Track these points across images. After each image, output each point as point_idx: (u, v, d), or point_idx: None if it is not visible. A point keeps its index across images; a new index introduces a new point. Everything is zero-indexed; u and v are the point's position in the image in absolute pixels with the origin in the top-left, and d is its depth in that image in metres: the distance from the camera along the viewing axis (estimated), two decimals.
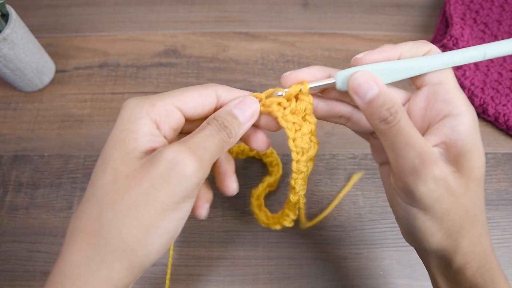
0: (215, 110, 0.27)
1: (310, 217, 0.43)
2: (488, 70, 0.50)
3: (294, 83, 0.27)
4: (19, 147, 0.47)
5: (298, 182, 0.29)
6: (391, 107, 0.23)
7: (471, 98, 0.48)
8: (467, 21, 0.54)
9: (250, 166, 0.46)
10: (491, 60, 0.51)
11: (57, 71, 0.53)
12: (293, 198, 0.30)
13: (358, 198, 0.44)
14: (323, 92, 0.29)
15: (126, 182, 0.22)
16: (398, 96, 0.27)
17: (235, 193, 0.28)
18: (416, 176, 0.23)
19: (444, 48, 0.49)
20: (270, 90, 0.28)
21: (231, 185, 0.28)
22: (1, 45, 0.42)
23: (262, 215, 0.38)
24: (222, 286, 0.40)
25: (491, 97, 0.48)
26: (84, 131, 0.48)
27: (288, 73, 0.27)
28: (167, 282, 0.38)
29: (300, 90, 0.27)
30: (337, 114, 0.29)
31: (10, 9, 0.43)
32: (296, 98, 0.28)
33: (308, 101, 0.27)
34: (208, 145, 0.23)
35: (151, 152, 0.23)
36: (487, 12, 0.54)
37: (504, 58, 0.51)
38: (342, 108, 0.29)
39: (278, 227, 0.35)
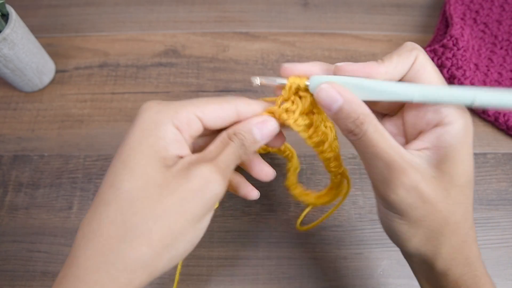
0: (233, 122, 0.27)
1: (310, 216, 0.43)
2: (488, 70, 0.50)
3: (293, 75, 0.27)
4: (19, 147, 0.47)
5: (332, 165, 0.30)
6: (356, 118, 0.23)
7: None
8: (467, 21, 0.54)
9: None
10: (491, 60, 0.51)
11: (57, 71, 0.53)
12: (335, 179, 0.32)
13: (358, 198, 0.44)
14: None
15: (159, 191, 0.22)
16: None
17: (257, 197, 0.31)
18: (386, 185, 0.23)
19: (444, 48, 0.49)
20: (281, 99, 0.28)
21: (253, 192, 0.31)
22: (1, 45, 0.42)
23: (311, 197, 0.38)
24: (222, 286, 0.40)
25: None
26: (84, 131, 0.48)
27: (288, 64, 0.27)
28: (176, 282, 0.38)
29: (298, 85, 0.27)
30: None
31: (10, 9, 0.43)
32: (298, 96, 0.28)
33: (310, 97, 0.27)
34: (232, 164, 0.25)
35: (178, 159, 0.24)
36: (487, 12, 0.54)
37: (504, 58, 0.51)
38: None
39: (333, 201, 0.36)
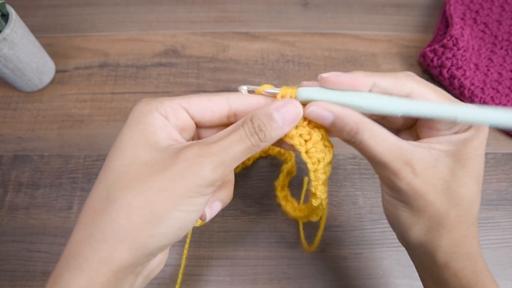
0: (228, 117, 0.26)
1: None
2: (488, 70, 0.50)
3: (336, 83, 0.25)
4: (19, 147, 0.47)
5: (319, 188, 0.28)
6: (349, 130, 0.24)
7: (471, 98, 0.48)
8: (467, 21, 0.54)
9: (251, 165, 0.46)
10: (491, 60, 0.51)
11: (57, 71, 0.53)
12: (315, 202, 0.30)
13: (358, 198, 0.44)
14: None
15: (143, 168, 0.22)
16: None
17: (204, 220, 0.27)
18: (388, 180, 0.25)
19: (444, 48, 0.49)
20: (285, 89, 0.27)
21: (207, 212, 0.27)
22: (1, 45, 0.42)
23: (289, 206, 0.38)
24: (222, 286, 0.40)
25: (491, 97, 0.48)
26: (84, 131, 0.48)
27: (327, 74, 0.25)
28: (179, 281, 0.38)
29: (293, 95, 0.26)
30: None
31: (10, 9, 0.43)
32: (311, 125, 0.27)
33: (323, 129, 0.27)
34: (233, 150, 0.23)
35: (170, 141, 0.24)
36: (487, 12, 0.54)
37: (504, 58, 0.51)
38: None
39: (304, 220, 0.35)
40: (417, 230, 0.25)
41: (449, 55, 0.48)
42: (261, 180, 0.45)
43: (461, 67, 0.48)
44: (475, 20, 0.54)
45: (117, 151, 0.24)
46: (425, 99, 0.24)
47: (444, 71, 0.49)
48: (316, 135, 0.27)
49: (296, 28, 0.56)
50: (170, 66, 0.53)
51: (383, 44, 0.55)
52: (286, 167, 0.42)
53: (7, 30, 0.42)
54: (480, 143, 0.25)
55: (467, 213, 0.25)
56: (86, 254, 0.21)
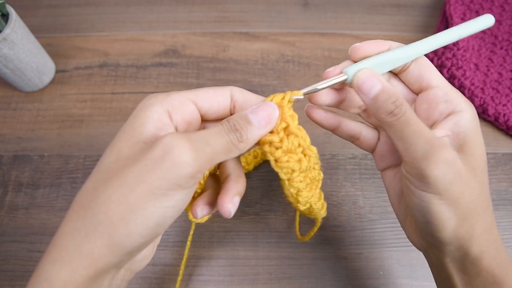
0: (230, 110, 0.27)
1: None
2: (488, 70, 0.50)
3: (361, 56, 0.27)
4: (19, 147, 0.47)
5: (302, 195, 0.28)
6: (396, 100, 0.25)
7: (471, 98, 0.48)
8: None
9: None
10: (491, 60, 0.51)
11: (57, 71, 0.53)
12: (301, 207, 0.29)
13: (358, 198, 0.44)
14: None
15: (124, 162, 0.22)
16: (402, 89, 0.29)
17: (229, 216, 0.26)
18: (429, 161, 0.24)
19: (444, 48, 0.49)
20: (288, 94, 0.26)
21: (226, 206, 0.26)
22: (1, 45, 0.42)
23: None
24: (222, 286, 0.40)
25: (491, 97, 0.48)
26: (84, 131, 0.48)
27: (358, 44, 0.28)
28: (178, 281, 0.38)
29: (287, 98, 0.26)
30: (346, 133, 0.31)
31: (10, 9, 0.43)
32: (287, 134, 0.25)
33: (285, 112, 0.25)
34: (212, 141, 0.23)
35: (155, 134, 0.24)
36: (487, 12, 0.54)
37: (504, 58, 0.51)
38: (352, 128, 0.31)
39: (310, 215, 0.33)
40: (453, 223, 0.25)
41: (449, 55, 0.48)
42: (261, 180, 0.45)
43: (461, 67, 0.48)
44: None
45: (109, 148, 0.24)
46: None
47: (444, 71, 0.49)
48: (289, 143, 0.25)
49: (296, 28, 0.56)
50: (170, 66, 0.53)
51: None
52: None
53: (7, 30, 0.42)
54: (471, 117, 0.26)
55: (488, 198, 0.26)
56: (69, 248, 0.21)
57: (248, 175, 0.45)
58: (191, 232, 0.38)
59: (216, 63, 0.53)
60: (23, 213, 0.43)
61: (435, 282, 0.30)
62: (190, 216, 0.27)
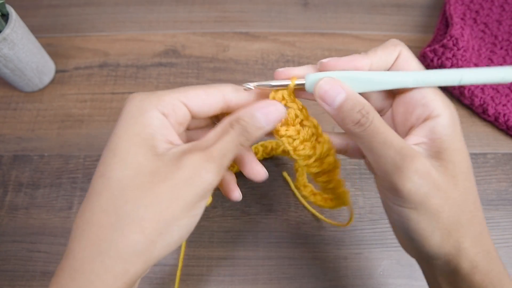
0: (222, 109, 0.27)
1: (313, 216, 0.43)
2: None
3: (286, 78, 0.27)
4: (19, 147, 0.47)
5: (320, 180, 0.30)
6: (361, 108, 0.24)
7: (471, 98, 0.48)
8: (467, 21, 0.54)
9: None
10: (491, 60, 0.51)
11: (57, 71, 0.53)
12: (324, 193, 0.31)
13: (358, 198, 0.44)
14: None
15: (150, 179, 0.22)
16: (378, 95, 0.28)
17: (239, 199, 0.30)
18: (400, 173, 0.22)
19: (444, 48, 0.49)
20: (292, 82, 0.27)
21: (236, 192, 0.30)
22: (1, 45, 0.42)
23: (319, 199, 0.38)
24: (222, 286, 0.40)
25: (491, 97, 0.48)
26: (84, 131, 0.48)
27: (281, 69, 0.27)
28: (177, 281, 0.38)
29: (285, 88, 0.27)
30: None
31: (10, 9, 0.43)
32: (301, 125, 0.28)
33: (296, 107, 0.27)
34: (229, 152, 0.24)
35: (166, 145, 0.24)
36: (487, 12, 0.54)
37: (504, 58, 0.51)
38: (338, 142, 0.29)
39: (338, 207, 0.36)
40: (438, 237, 0.23)
41: (449, 55, 0.48)
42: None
43: (461, 67, 0.48)
44: (475, 20, 0.54)
45: (116, 159, 0.23)
46: (411, 62, 0.26)
47: None
48: (306, 133, 0.28)
49: (296, 28, 0.56)
50: (170, 66, 0.53)
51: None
52: (299, 166, 0.41)
53: (7, 30, 0.42)
54: (448, 121, 0.24)
55: (476, 207, 0.24)
56: (98, 271, 0.21)
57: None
58: (183, 247, 0.38)
59: (216, 63, 0.53)
60: (23, 213, 0.43)
61: None
62: None
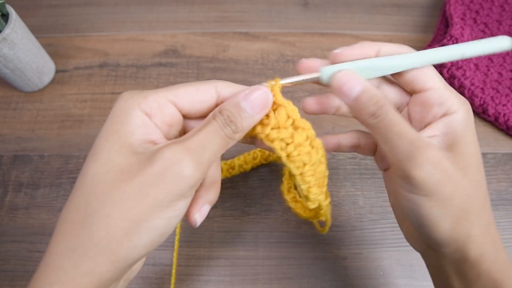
0: (217, 105, 0.25)
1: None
2: (488, 70, 0.50)
3: (343, 61, 0.26)
4: (19, 147, 0.47)
5: (311, 191, 0.27)
6: (377, 101, 0.24)
7: (471, 98, 0.48)
8: (467, 21, 0.54)
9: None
10: (491, 60, 0.51)
11: (57, 71, 0.53)
12: (311, 205, 0.29)
13: (358, 198, 0.44)
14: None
15: (120, 176, 0.21)
16: (395, 94, 0.29)
17: (195, 226, 0.25)
18: (413, 162, 0.23)
19: None
20: (277, 80, 0.26)
21: (192, 216, 0.25)
22: (1, 45, 0.42)
23: (299, 207, 0.38)
24: (222, 286, 0.40)
25: (491, 97, 0.48)
26: (84, 131, 0.48)
27: (338, 50, 0.26)
28: (173, 281, 0.37)
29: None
30: (347, 146, 0.31)
31: (10, 9, 0.43)
32: (274, 109, 0.25)
33: (289, 108, 0.25)
34: (210, 144, 0.22)
35: (147, 145, 0.23)
36: (487, 12, 0.54)
37: (504, 58, 0.51)
38: (351, 139, 0.30)
39: (315, 220, 0.35)
40: (448, 224, 0.24)
41: None
42: (261, 180, 0.45)
43: (461, 67, 0.48)
44: (475, 20, 0.54)
45: (93, 157, 0.22)
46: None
47: (444, 71, 0.49)
48: (299, 136, 0.25)
49: (296, 28, 0.56)
50: (170, 66, 0.53)
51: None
52: (287, 169, 0.42)
53: (7, 30, 0.42)
54: (464, 117, 0.25)
55: (485, 197, 0.25)
56: (67, 268, 0.20)
57: (248, 175, 0.45)
58: (177, 238, 0.37)
59: (216, 63, 0.53)
60: (23, 213, 0.43)
61: (434, 285, 0.29)
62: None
